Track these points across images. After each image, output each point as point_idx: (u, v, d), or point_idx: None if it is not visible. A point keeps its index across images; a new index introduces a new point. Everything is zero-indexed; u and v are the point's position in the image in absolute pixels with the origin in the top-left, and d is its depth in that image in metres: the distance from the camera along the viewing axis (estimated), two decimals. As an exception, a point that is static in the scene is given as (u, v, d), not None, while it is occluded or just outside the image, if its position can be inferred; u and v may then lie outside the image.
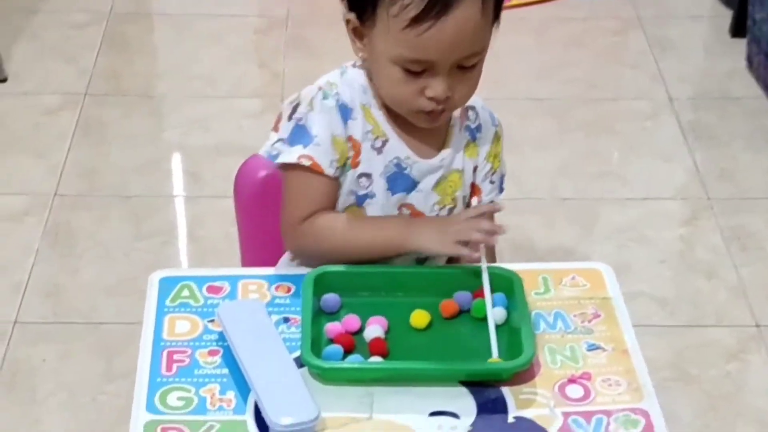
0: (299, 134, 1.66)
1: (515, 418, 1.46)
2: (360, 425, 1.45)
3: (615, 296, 1.66)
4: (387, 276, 1.65)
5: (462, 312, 1.61)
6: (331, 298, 1.62)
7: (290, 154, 1.65)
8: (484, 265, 1.60)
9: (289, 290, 1.65)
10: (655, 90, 3.49)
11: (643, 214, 3.00)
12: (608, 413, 1.47)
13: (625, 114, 3.39)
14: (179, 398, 1.48)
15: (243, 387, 1.49)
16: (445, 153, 1.72)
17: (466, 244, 1.60)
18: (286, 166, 1.67)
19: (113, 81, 3.44)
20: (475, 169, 1.77)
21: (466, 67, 1.61)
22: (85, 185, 3.02)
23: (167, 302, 1.63)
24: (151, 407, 1.46)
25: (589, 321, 1.61)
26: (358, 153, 1.69)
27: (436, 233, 1.63)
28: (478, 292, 1.61)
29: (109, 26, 3.69)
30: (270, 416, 1.42)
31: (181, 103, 3.36)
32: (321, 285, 1.62)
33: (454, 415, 1.46)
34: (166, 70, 3.57)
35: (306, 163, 1.65)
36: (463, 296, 1.62)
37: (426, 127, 1.68)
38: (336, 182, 1.69)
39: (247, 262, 1.98)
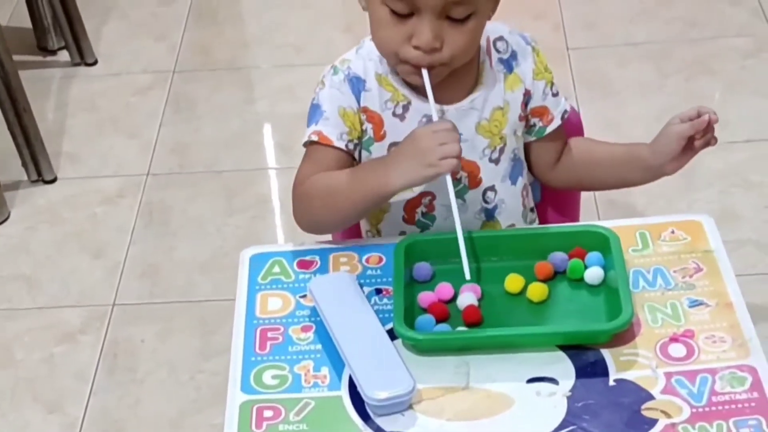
0: (313, 113, 1.68)
1: (616, 380, 1.42)
2: (457, 395, 1.43)
3: (717, 248, 1.60)
4: (478, 241, 1.62)
5: (557, 273, 1.58)
6: (423, 267, 1.60)
7: (306, 134, 1.67)
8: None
9: (380, 261, 1.63)
10: (756, 26, 3.38)
11: (747, 158, 2.91)
12: (713, 371, 1.42)
13: (725, 53, 3.29)
14: (274, 376, 1.47)
15: (337, 362, 1.48)
16: (476, 94, 1.67)
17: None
18: (305, 145, 1.68)
19: (201, 55, 3.43)
20: (526, 95, 1.71)
21: (457, 19, 1.55)
22: (177, 163, 3.02)
23: (259, 279, 1.62)
24: (246, 387, 1.46)
25: (691, 276, 1.56)
26: (380, 125, 1.67)
27: (413, 162, 1.53)
28: (573, 252, 1.58)
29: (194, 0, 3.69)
30: (365, 391, 1.41)
31: (268, 73, 3.35)
32: (412, 254, 1.60)
33: (553, 381, 1.43)
34: (253, 40, 3.55)
35: (315, 138, 1.65)
36: (558, 257, 1.59)
37: (417, 84, 1.60)
38: (347, 155, 1.67)
39: (336, 233, 1.95)
